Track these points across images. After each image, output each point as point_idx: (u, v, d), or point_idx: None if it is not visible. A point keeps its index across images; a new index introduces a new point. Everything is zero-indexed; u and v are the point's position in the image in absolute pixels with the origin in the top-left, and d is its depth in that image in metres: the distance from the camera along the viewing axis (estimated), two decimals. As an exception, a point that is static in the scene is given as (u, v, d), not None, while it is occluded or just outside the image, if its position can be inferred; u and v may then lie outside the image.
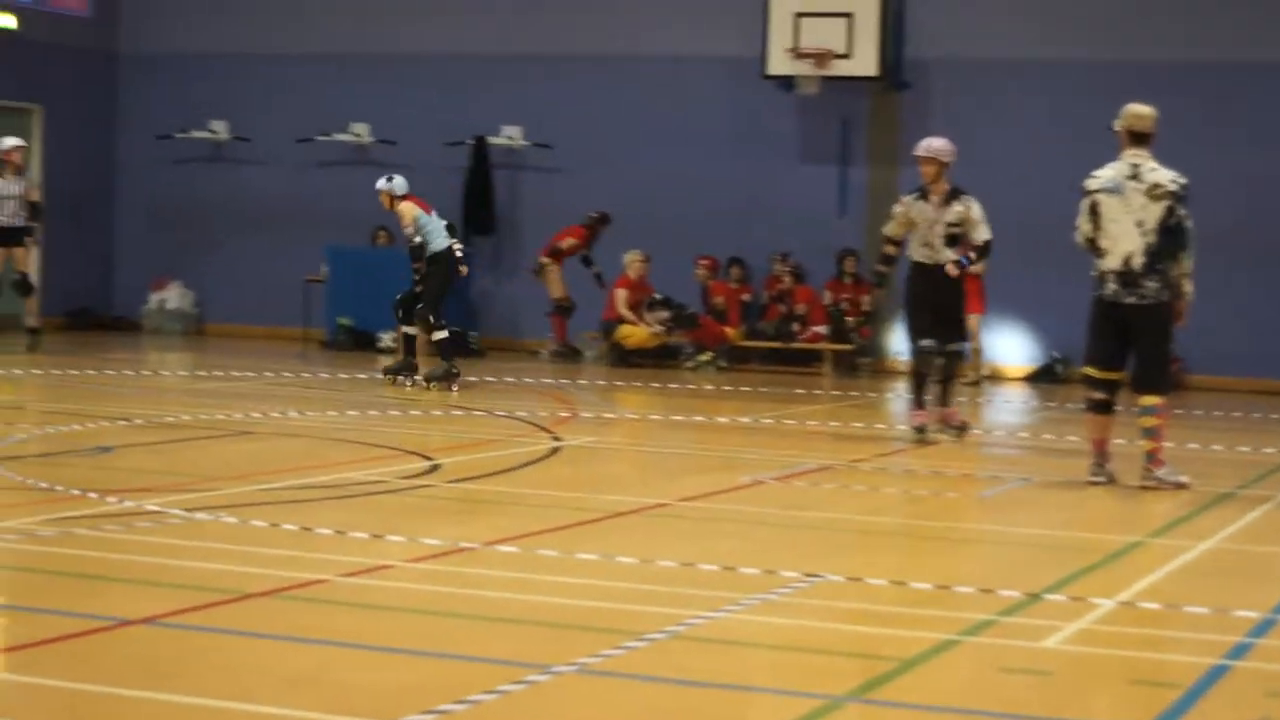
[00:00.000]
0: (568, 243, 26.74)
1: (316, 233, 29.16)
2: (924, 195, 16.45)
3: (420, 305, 20.66)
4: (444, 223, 21.26)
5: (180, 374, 23.10)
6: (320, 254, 28.52)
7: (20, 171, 24.43)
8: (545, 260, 26.93)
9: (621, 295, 26.08)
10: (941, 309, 16.51)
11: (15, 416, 17.28)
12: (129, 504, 11.34)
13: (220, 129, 30.53)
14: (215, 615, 8.38)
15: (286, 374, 22.53)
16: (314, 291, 28.66)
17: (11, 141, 24.32)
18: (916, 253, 16.47)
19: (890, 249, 16.92)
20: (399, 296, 20.97)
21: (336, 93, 29.77)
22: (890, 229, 16.81)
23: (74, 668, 7.36)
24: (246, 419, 17.00)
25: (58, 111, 30.35)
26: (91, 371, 21.74)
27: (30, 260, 24.53)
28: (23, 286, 24.15)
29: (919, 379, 16.70)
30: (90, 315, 30.76)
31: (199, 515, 11.00)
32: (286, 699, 6.89)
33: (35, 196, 24.56)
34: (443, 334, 20.62)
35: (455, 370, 20.59)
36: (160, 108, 30.85)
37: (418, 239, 20.71)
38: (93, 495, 11.62)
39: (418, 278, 20.65)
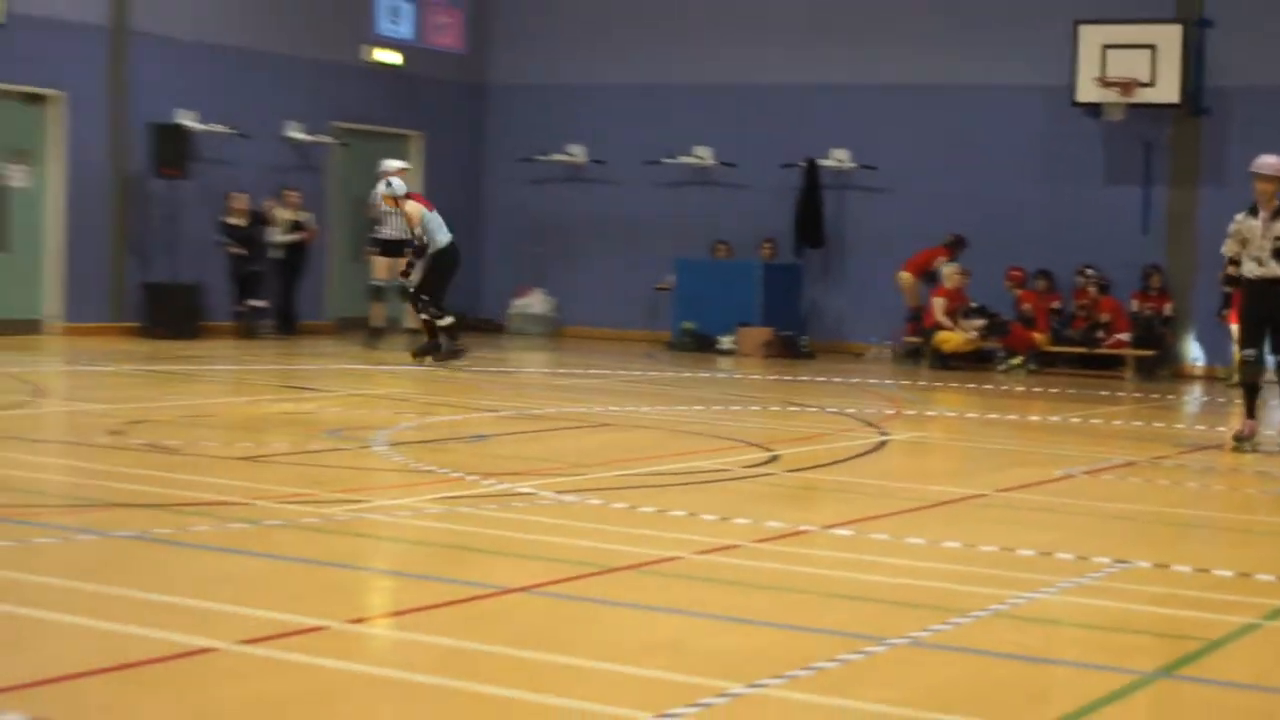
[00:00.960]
0: (937, 261, 26.68)
1: (663, 245, 29.44)
2: (1254, 212, 15.84)
3: (420, 294, 21.72)
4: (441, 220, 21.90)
5: (543, 371, 23.40)
6: (667, 264, 28.77)
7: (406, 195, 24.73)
8: (906, 274, 26.89)
9: (940, 304, 25.96)
10: (1273, 322, 15.89)
11: (402, 407, 17.65)
12: (504, 486, 11.57)
13: (578, 152, 30.93)
14: (583, 586, 8.52)
15: (637, 372, 22.73)
16: (661, 298, 28.92)
17: (395, 164, 24.68)
18: (1248, 268, 15.84)
19: (1231, 269, 16.24)
20: (411, 289, 21.85)
21: (682, 119, 30.00)
22: (1227, 248, 16.13)
23: (459, 629, 7.53)
24: (604, 412, 17.19)
25: (436, 137, 30.98)
26: (464, 369, 22.13)
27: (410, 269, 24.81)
28: (404, 293, 24.54)
29: (1250, 390, 16.10)
30: (461, 318, 31.27)
31: (567, 497, 11.18)
32: (647, 661, 6.98)
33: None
34: (449, 320, 21.72)
35: (462, 348, 21.99)
36: (524, 133, 31.34)
37: (424, 237, 21.40)
38: (472, 478, 11.86)
39: (412, 269, 21.66)
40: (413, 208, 21.13)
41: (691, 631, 7.69)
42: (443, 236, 21.24)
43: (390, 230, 24.48)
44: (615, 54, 30.64)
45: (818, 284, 28.98)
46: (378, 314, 25.07)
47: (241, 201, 26.45)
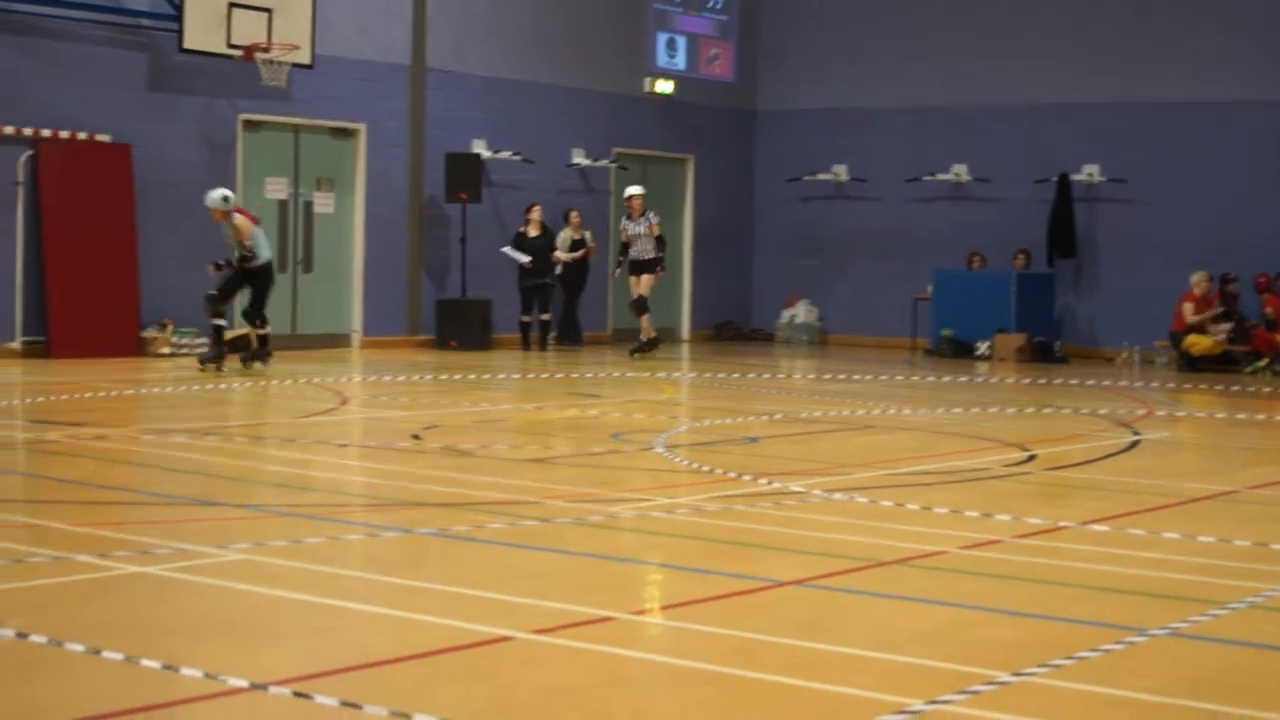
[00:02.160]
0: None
1: (922, 257, 29.30)
2: None
3: (254, 305, 20.91)
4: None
5: (808, 377, 23.30)
6: (926, 275, 28.58)
7: (644, 213, 24.80)
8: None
9: (1189, 309, 25.43)
10: None
11: (677, 411, 17.69)
12: (777, 485, 11.51)
13: (841, 171, 30.86)
14: (853, 579, 8.43)
15: (898, 378, 22.56)
16: (920, 307, 28.73)
17: (633, 190, 25.05)
18: None
19: None
20: (211, 294, 20.80)
21: (939, 138, 29.83)
22: None
23: (736, 620, 7.49)
24: (868, 415, 17.07)
25: (706, 160, 31.09)
26: (736, 375, 22.14)
27: (650, 285, 24.76)
28: (639, 306, 24.62)
29: None
30: (732, 328, 31.39)
31: (836, 495, 11.09)
32: (919, 651, 6.89)
33: (658, 232, 24.84)
34: (267, 328, 21.16)
35: (269, 352, 21.22)
36: (789, 154, 31.37)
37: (252, 250, 20.55)
38: (746, 477, 11.83)
39: (223, 280, 20.69)
40: (241, 221, 20.62)
41: (958, 622, 7.57)
42: (265, 252, 20.94)
43: (638, 251, 24.54)
44: (876, 78, 30.55)
45: (1070, 292, 28.63)
46: (646, 326, 25.00)
47: (538, 213, 26.76)
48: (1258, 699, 6.33)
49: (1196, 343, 25.16)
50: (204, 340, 22.80)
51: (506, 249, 26.44)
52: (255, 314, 21.07)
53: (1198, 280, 25.59)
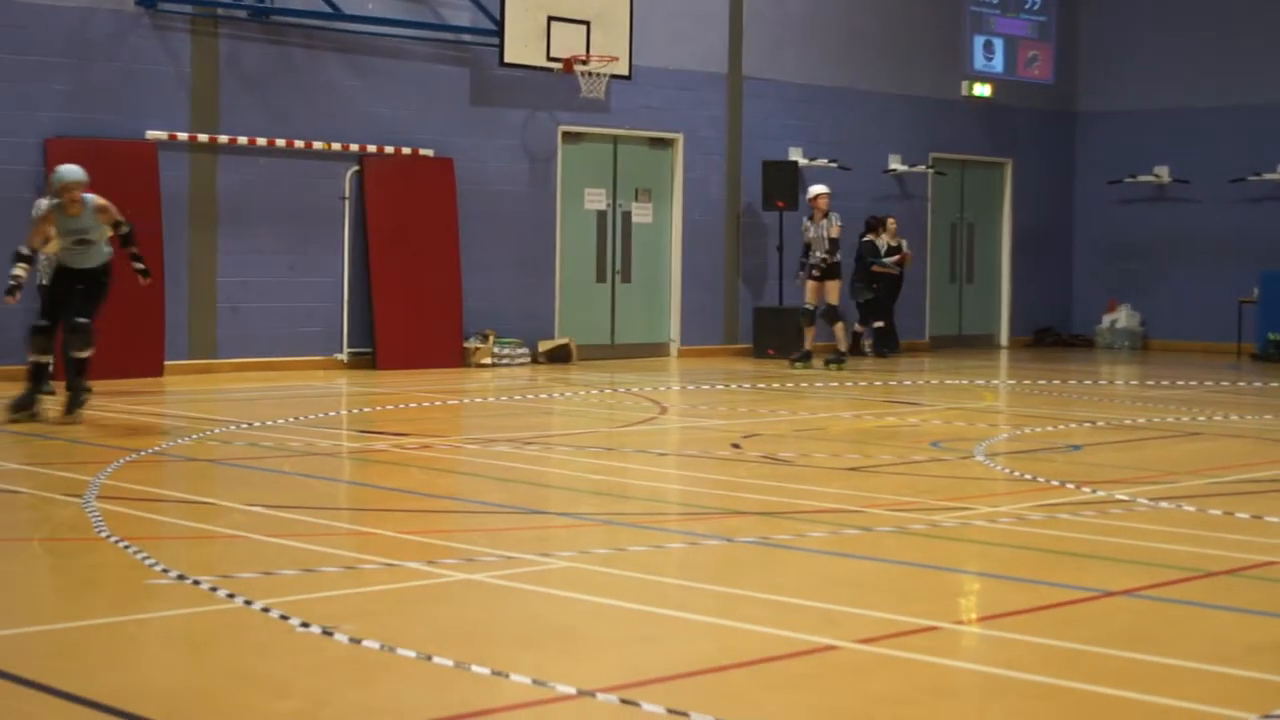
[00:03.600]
0: None
1: (1247, 259, 28.62)
2: None
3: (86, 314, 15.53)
4: None
5: (1131, 383, 22.87)
6: (1252, 278, 27.92)
7: (826, 215, 23.84)
8: None
9: None
10: None
11: (996, 419, 17.52)
12: (1101, 493, 11.33)
13: (1162, 173, 30.30)
14: (1182, 589, 8.28)
15: (1224, 383, 22.04)
16: (1246, 311, 28.06)
17: (818, 189, 24.27)
18: None
19: None
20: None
21: (1264, 136, 29.09)
22: None
23: (1061, 630, 7.39)
24: (1193, 421, 16.71)
25: (1024, 163, 30.74)
26: (1056, 381, 21.84)
27: (835, 292, 23.99)
28: (831, 315, 23.86)
29: None
30: (1052, 334, 30.99)
31: (1162, 504, 10.88)
32: (1253, 664, 6.72)
33: (836, 234, 23.84)
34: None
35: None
36: (1111, 156, 30.87)
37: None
38: (1070, 485, 11.67)
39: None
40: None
41: (1290, 634, 7.40)
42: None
43: (820, 254, 23.80)
44: (1196, 77, 29.95)
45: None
46: (809, 335, 24.13)
47: (893, 224, 26.93)
48: None
49: None
50: (524, 351, 23.26)
51: (882, 261, 26.60)
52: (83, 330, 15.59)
53: None
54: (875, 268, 26.86)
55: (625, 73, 24.14)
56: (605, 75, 23.87)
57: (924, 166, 29.06)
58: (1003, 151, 30.54)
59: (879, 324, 26.89)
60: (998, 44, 30.26)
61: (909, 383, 21.75)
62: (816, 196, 24.10)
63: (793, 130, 27.06)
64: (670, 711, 5.86)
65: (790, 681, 6.49)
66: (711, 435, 15.32)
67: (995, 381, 22.36)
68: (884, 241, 27.18)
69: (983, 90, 29.84)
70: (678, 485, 12.45)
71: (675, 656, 6.85)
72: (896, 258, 27.22)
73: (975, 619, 7.83)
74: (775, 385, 20.76)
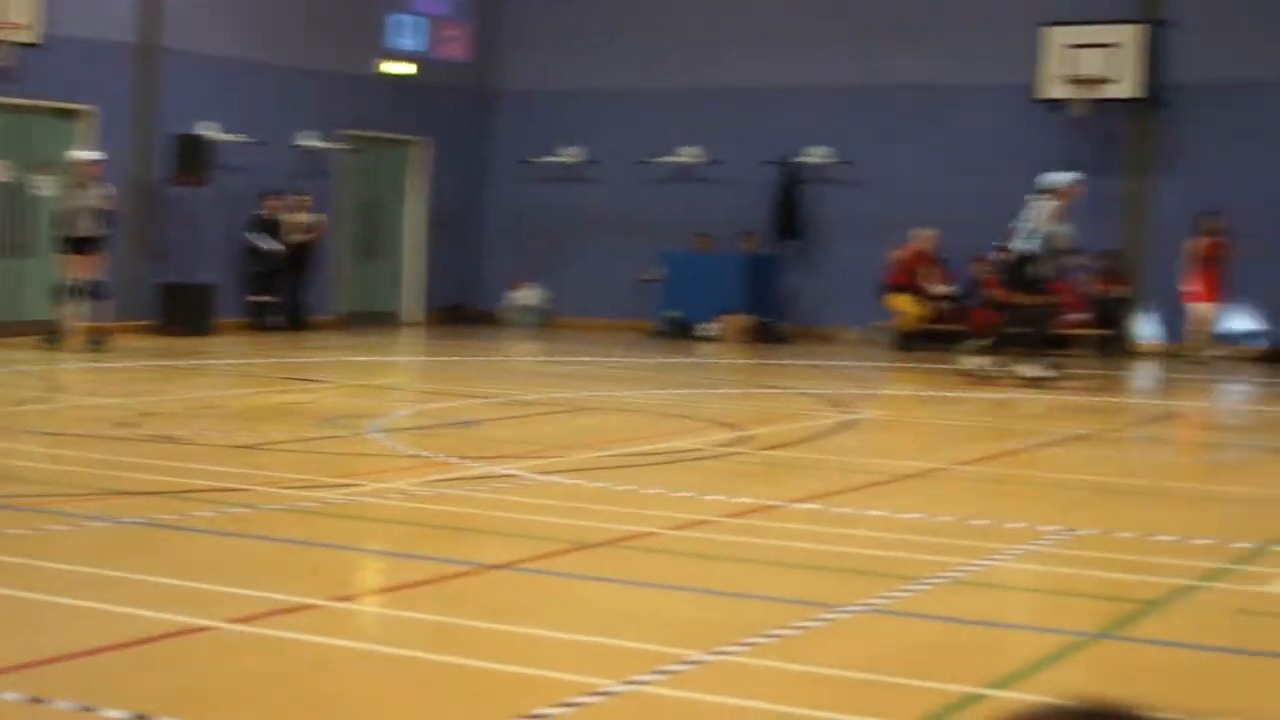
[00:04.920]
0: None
1: (650, 239, 29.48)
2: None
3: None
4: None
5: (534, 359, 23.34)
6: (654, 257, 28.79)
7: (95, 183, 21.90)
8: None
9: (901, 260, 26.05)
10: None
11: (396, 396, 17.62)
12: (491, 468, 11.52)
13: (573, 153, 30.92)
14: (562, 561, 8.48)
15: (622, 359, 22.69)
16: (648, 289, 28.93)
17: (89, 155, 22.60)
18: None
19: None
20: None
21: (669, 121, 30.02)
22: None
23: (444, 605, 7.50)
24: (589, 397, 17.15)
25: (442, 142, 30.95)
26: (460, 358, 22.11)
27: (99, 267, 21.99)
28: (86, 292, 21.73)
29: None
30: (462, 311, 31.33)
31: (549, 478, 11.14)
32: (620, 632, 6.95)
33: (107, 205, 22.00)
34: None
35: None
36: (525, 136, 31.33)
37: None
38: (461, 461, 11.82)
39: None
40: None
41: (663, 603, 7.66)
42: None
43: (86, 225, 21.70)
44: (609, 61, 30.64)
45: (796, 273, 28.98)
46: (69, 314, 21.80)
47: (277, 202, 26.59)
48: (948, 672, 6.50)
49: (905, 314, 25.67)
50: None
51: (252, 235, 26.15)
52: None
53: (921, 235, 26.17)
54: (261, 245, 26.43)
55: (33, 40, 23.26)
56: (11, 43, 22.95)
57: (338, 143, 28.96)
58: (419, 129, 30.65)
59: (273, 299, 26.56)
60: (415, 22, 30.33)
61: (315, 360, 21.69)
62: (85, 163, 22.04)
63: (206, 104, 26.55)
64: (31, 700, 5.71)
65: (160, 663, 6.39)
66: (104, 414, 14.93)
67: (400, 358, 22.50)
68: (293, 218, 26.98)
69: (399, 67, 29.89)
70: (65, 466, 12.08)
71: (44, 641, 6.65)
72: (310, 235, 27.07)
73: (357, 595, 7.87)
74: (177, 363, 20.41)
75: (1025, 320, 19.55)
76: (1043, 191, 19.66)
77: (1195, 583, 8.29)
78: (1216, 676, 6.67)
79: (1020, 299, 19.53)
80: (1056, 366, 19.71)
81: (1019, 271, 19.49)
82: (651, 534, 9.23)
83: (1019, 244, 19.41)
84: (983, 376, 19.49)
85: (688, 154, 29.90)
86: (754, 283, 27.98)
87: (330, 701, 6.06)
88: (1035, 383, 19.21)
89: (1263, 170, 24.86)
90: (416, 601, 7.55)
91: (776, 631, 6.96)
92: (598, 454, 12.61)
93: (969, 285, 26.67)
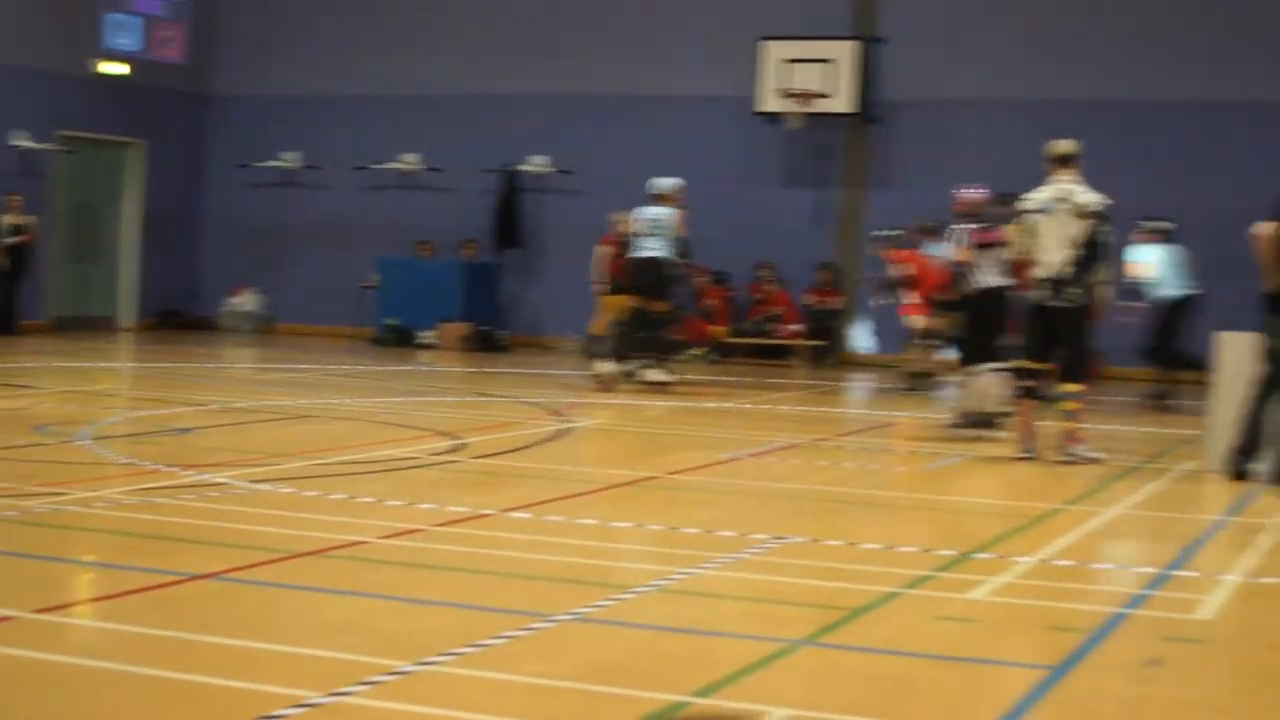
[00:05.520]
0: None
1: (370, 246, 29.30)
2: None
3: None
4: None
5: (251, 366, 23.03)
6: (372, 264, 28.62)
7: None
8: None
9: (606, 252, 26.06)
10: None
11: (113, 403, 17.26)
12: (202, 476, 11.31)
13: (293, 158, 30.59)
14: (271, 571, 8.35)
15: (340, 367, 22.50)
16: (367, 296, 28.74)
17: None
18: None
19: None
20: None
21: (391, 127, 29.88)
22: None
23: (148, 616, 7.33)
24: (305, 405, 16.96)
25: (158, 145, 30.40)
26: (176, 364, 21.73)
27: None
28: None
29: None
30: (177, 316, 30.79)
31: (260, 486, 10.98)
32: (327, 643, 6.85)
33: None
34: None
35: None
36: (244, 140, 30.96)
37: None
38: (172, 469, 11.60)
39: None
40: None
41: (371, 613, 7.57)
42: None
43: None
44: (330, 66, 30.44)
45: (517, 281, 29.01)
46: None
47: (16, 202, 25.96)
48: (652, 680, 6.51)
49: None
50: None
51: None
52: None
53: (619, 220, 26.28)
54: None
55: None
56: None
57: (50, 144, 28.29)
58: (135, 131, 30.07)
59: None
60: (131, 22, 29.75)
61: (25, 365, 21.14)
62: None
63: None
64: None
65: None
66: None
67: (114, 364, 22.02)
68: (8, 220, 26.31)
69: (115, 68, 29.29)
70: None
71: None
72: (22, 238, 26.42)
73: (61, 607, 7.66)
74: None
75: (654, 325, 19.86)
76: (657, 197, 19.98)
77: (899, 590, 8.43)
78: (917, 682, 6.78)
79: (651, 304, 19.81)
80: (672, 370, 20.16)
81: (652, 276, 19.76)
82: (363, 543, 9.13)
83: (651, 249, 19.67)
84: (610, 381, 19.74)
85: (408, 161, 29.78)
86: (473, 291, 27.96)
87: (28, 719, 5.88)
88: (660, 388, 19.54)
89: (964, 182, 25.42)
90: (122, 613, 7.38)
91: (485, 641, 6.92)
92: (312, 462, 12.46)
93: (685, 295, 26.89)
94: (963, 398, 16.43)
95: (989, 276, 16.07)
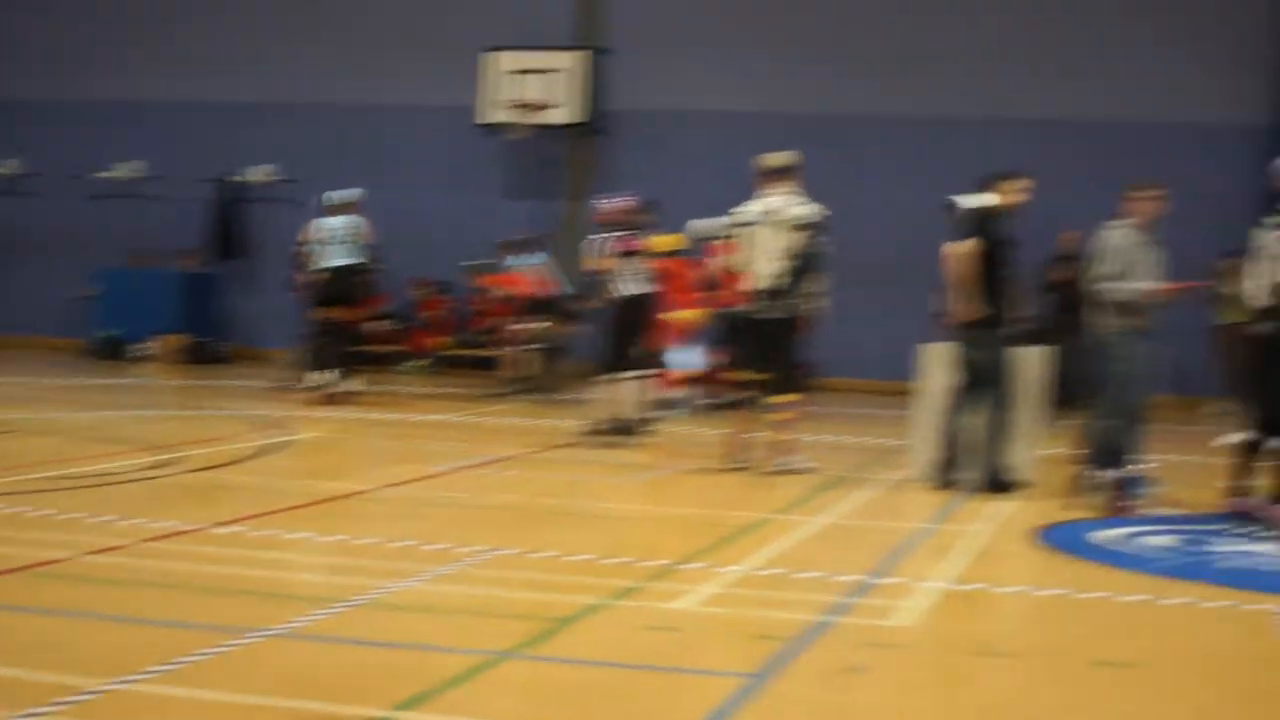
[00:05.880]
0: None
1: (88, 255, 28.75)
2: None
3: None
4: None
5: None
6: (90, 274, 28.08)
7: None
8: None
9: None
10: None
11: None
12: (-99, 494, 11.04)
13: (8, 165, 29.90)
14: (-31, 590, 8.19)
15: (51, 380, 22.02)
16: (83, 306, 28.18)
17: None
18: None
19: None
20: None
21: (110, 134, 29.32)
22: None
23: None
24: (11, 419, 16.56)
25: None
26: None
27: None
28: None
29: None
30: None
31: (-38, 503, 10.74)
32: (31, 662, 6.73)
33: None
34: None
35: None
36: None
37: None
38: None
39: None
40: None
41: (75, 631, 7.43)
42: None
43: None
44: (50, 72, 29.77)
45: (237, 292, 28.63)
46: None
47: None
48: (355, 693, 6.49)
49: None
50: None
51: None
52: None
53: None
54: None
55: None
56: None
57: None
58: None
59: None
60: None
61: None
62: None
63: None
64: None
65: None
66: None
67: None
68: None
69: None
70: None
71: None
72: None
73: None
74: None
75: (343, 335, 19.90)
76: (334, 207, 20.04)
77: (608, 601, 8.49)
78: (621, 691, 6.84)
79: (340, 314, 19.83)
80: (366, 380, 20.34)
81: (341, 285, 19.78)
82: (66, 560, 8.96)
83: (339, 259, 19.69)
84: (326, 394, 19.75)
85: (127, 169, 29.26)
86: (192, 302, 27.59)
87: None
88: (350, 397, 19.58)
89: (688, 193, 25.71)
90: None
91: (187, 658, 6.84)
92: (17, 478, 12.18)
93: (406, 306, 26.83)
94: (603, 405, 16.67)
95: (630, 284, 16.36)
